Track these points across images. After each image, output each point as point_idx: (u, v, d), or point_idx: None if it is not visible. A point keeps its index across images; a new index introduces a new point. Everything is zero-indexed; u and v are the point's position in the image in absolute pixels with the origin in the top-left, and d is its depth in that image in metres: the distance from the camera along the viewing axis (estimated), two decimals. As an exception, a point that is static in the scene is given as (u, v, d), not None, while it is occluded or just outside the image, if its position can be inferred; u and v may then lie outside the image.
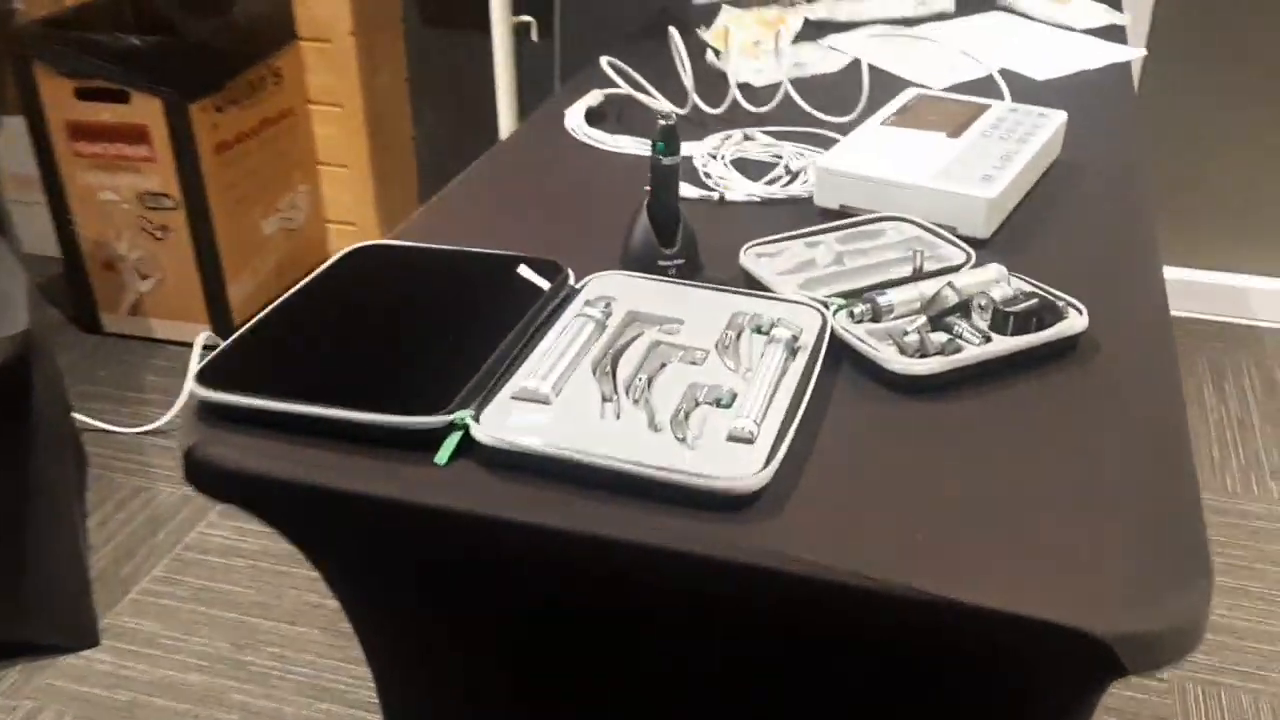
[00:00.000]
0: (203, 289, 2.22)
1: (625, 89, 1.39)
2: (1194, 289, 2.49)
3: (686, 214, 1.02)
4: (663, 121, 0.96)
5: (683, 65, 1.36)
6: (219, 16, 2.17)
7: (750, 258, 1.00)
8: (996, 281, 0.93)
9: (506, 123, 1.79)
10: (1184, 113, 2.35)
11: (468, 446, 0.75)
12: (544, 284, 0.93)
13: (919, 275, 0.97)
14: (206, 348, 2.24)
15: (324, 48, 2.35)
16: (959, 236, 1.05)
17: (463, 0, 2.43)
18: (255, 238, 2.33)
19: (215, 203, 2.17)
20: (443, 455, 0.74)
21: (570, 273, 0.95)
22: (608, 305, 0.91)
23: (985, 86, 1.44)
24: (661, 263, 1.01)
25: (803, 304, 0.91)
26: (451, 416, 0.75)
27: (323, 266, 0.95)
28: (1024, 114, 1.22)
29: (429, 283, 0.94)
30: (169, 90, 2.04)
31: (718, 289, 0.93)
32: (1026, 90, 1.45)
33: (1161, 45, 2.31)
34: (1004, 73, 1.51)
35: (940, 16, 1.76)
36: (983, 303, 0.91)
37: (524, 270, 0.95)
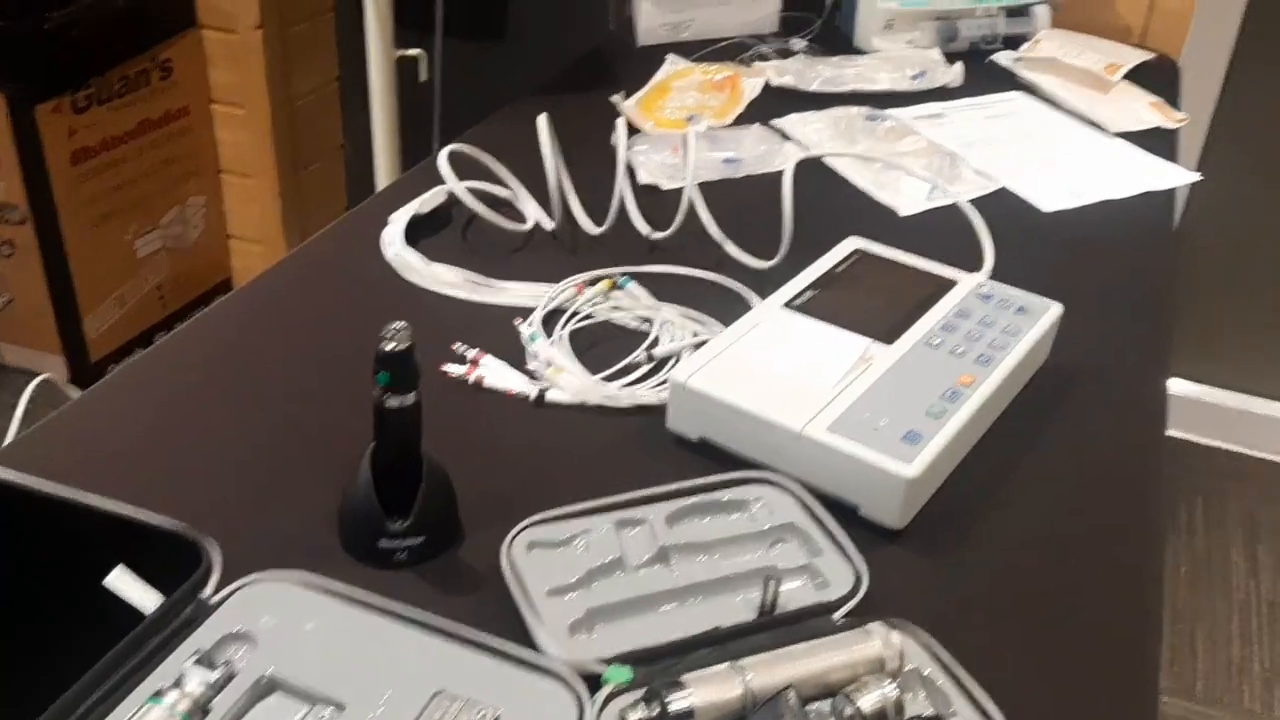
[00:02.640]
0: (55, 315, 1.88)
1: (461, 193, 1.03)
2: (1235, 417, 2.09)
3: (438, 463, 0.66)
4: (389, 342, 0.60)
5: (555, 163, 0.99)
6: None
7: (519, 552, 0.64)
8: (879, 672, 0.57)
9: (384, 182, 1.43)
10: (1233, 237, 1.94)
11: None
12: (142, 603, 0.57)
13: (762, 622, 0.61)
14: (84, 383, 1.90)
15: (228, 39, 1.98)
16: (859, 516, 0.69)
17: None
18: (125, 259, 1.99)
19: (70, 218, 1.83)
20: None
21: (216, 565, 0.60)
22: (239, 654, 0.56)
23: (965, 223, 1.05)
24: (386, 543, 0.65)
25: (557, 678, 0.55)
26: None
27: None
28: (1000, 303, 0.85)
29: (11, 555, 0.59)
30: (14, 86, 1.69)
31: (426, 629, 0.58)
32: (1025, 228, 1.07)
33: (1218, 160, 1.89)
34: (1001, 195, 1.13)
35: (942, 93, 1.38)
36: (847, 714, 0.55)
37: (118, 579, 0.59)
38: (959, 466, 0.75)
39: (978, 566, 0.68)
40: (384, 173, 1.39)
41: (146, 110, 1.93)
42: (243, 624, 0.57)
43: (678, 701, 0.54)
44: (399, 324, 0.61)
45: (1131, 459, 0.78)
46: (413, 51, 1.39)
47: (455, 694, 0.54)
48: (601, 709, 0.54)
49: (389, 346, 0.60)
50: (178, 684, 0.53)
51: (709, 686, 0.55)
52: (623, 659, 0.57)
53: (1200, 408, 2.11)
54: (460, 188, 0.99)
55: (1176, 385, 2.09)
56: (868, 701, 0.55)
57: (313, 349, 0.84)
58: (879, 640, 0.58)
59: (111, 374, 0.82)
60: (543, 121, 1.00)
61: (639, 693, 0.55)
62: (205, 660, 0.55)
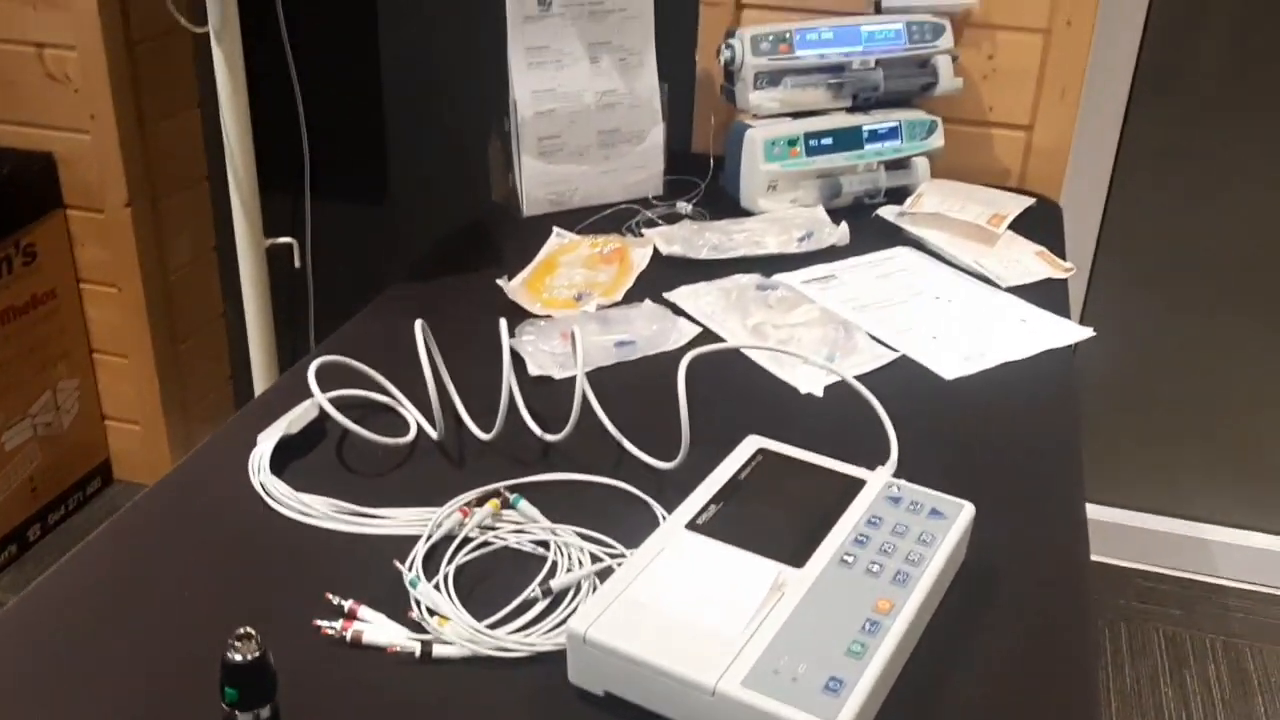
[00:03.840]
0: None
1: (331, 411, 0.96)
2: (1152, 538, 2.10)
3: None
4: (235, 652, 0.53)
5: (434, 371, 0.94)
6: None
7: None
8: None
9: (260, 383, 1.36)
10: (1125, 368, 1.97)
11: None
12: None
13: None
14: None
15: (95, 218, 1.90)
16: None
17: (281, 155, 2.00)
18: None
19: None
20: None
21: None
22: None
23: (875, 385, 1.01)
24: None
25: None
26: None
27: None
28: (912, 506, 0.80)
29: None
30: None
31: None
32: (927, 398, 1.04)
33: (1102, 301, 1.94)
34: (904, 363, 1.10)
35: (830, 252, 1.36)
36: None
37: None
38: (885, 699, 0.69)
39: (915, 826, 0.62)
40: (260, 369, 1.32)
41: (10, 298, 1.83)
42: None
43: None
44: (245, 629, 0.53)
45: (1064, 653, 0.74)
46: (284, 240, 1.33)
47: None
48: None
49: (236, 657, 0.53)
50: None
51: None
52: None
53: (1116, 530, 2.11)
54: (328, 405, 0.92)
55: (1092, 510, 2.09)
56: None
57: (175, 606, 0.76)
58: None
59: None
60: (419, 330, 0.94)
61: None
62: None
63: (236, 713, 0.53)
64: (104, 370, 2.05)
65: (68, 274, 1.94)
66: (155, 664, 0.71)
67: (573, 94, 1.45)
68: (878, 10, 1.55)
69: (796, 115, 1.48)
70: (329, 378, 1.00)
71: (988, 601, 0.79)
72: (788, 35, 1.46)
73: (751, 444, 0.87)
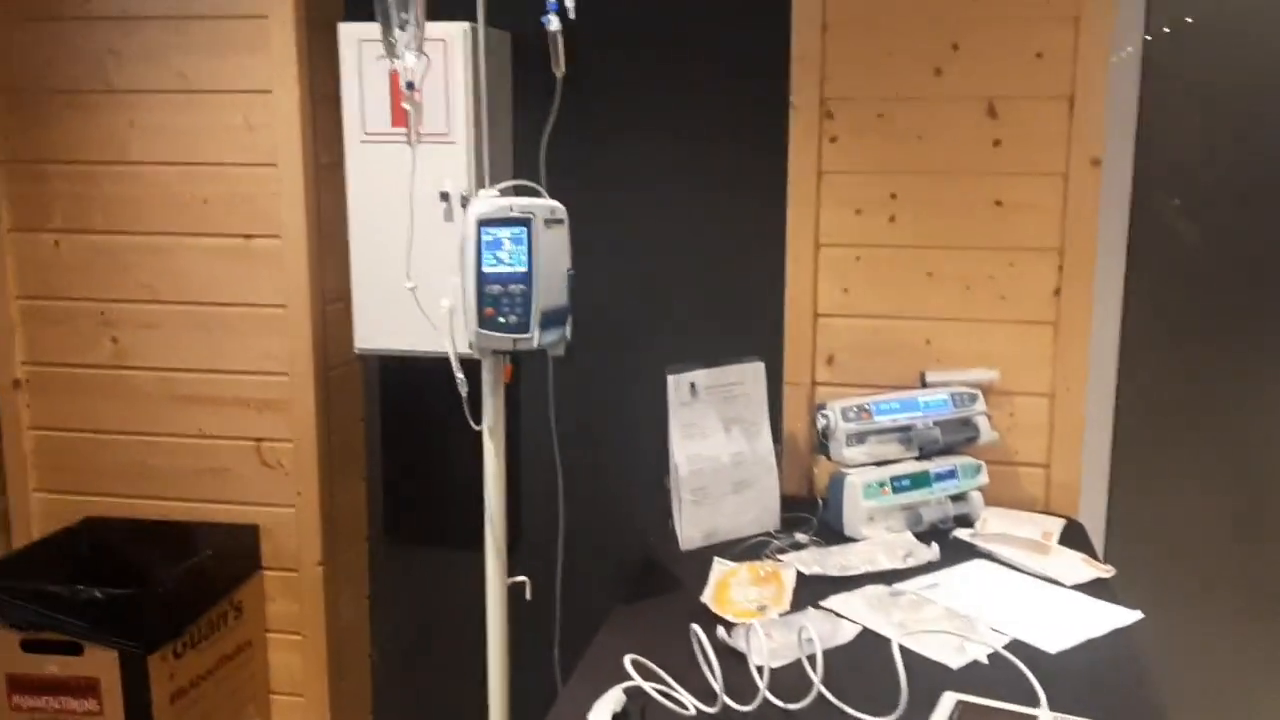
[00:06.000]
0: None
1: (647, 687, 1.35)
2: None
3: None
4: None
5: (709, 664, 1.33)
6: (186, 558, 2.12)
7: None
8: None
9: (497, 701, 1.72)
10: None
11: None
12: None
13: None
14: None
15: (289, 576, 2.29)
16: None
17: (424, 514, 2.44)
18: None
19: (163, 757, 2.00)
20: None
21: None
22: None
23: (1001, 665, 1.42)
24: None
25: None
26: None
27: None
28: (1070, 727, 1.20)
29: None
30: (129, 643, 1.94)
31: None
32: (1042, 666, 1.45)
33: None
34: (1016, 646, 1.51)
35: (928, 567, 1.80)
36: None
37: None
38: None
39: None
40: (496, 700, 1.68)
41: (223, 648, 2.18)
42: None
43: None
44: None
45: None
46: (520, 578, 1.74)
47: None
48: None
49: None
50: None
51: None
52: None
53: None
54: (645, 684, 1.31)
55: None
56: None
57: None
58: None
59: None
60: (697, 631, 1.35)
61: None
62: None
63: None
64: (280, 707, 2.36)
65: (260, 625, 2.30)
66: None
67: (713, 456, 1.93)
68: (923, 384, 2.08)
69: (879, 464, 1.96)
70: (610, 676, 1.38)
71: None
72: (867, 406, 1.97)
73: (950, 700, 1.27)
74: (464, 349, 1.67)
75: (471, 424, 1.68)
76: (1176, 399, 2.33)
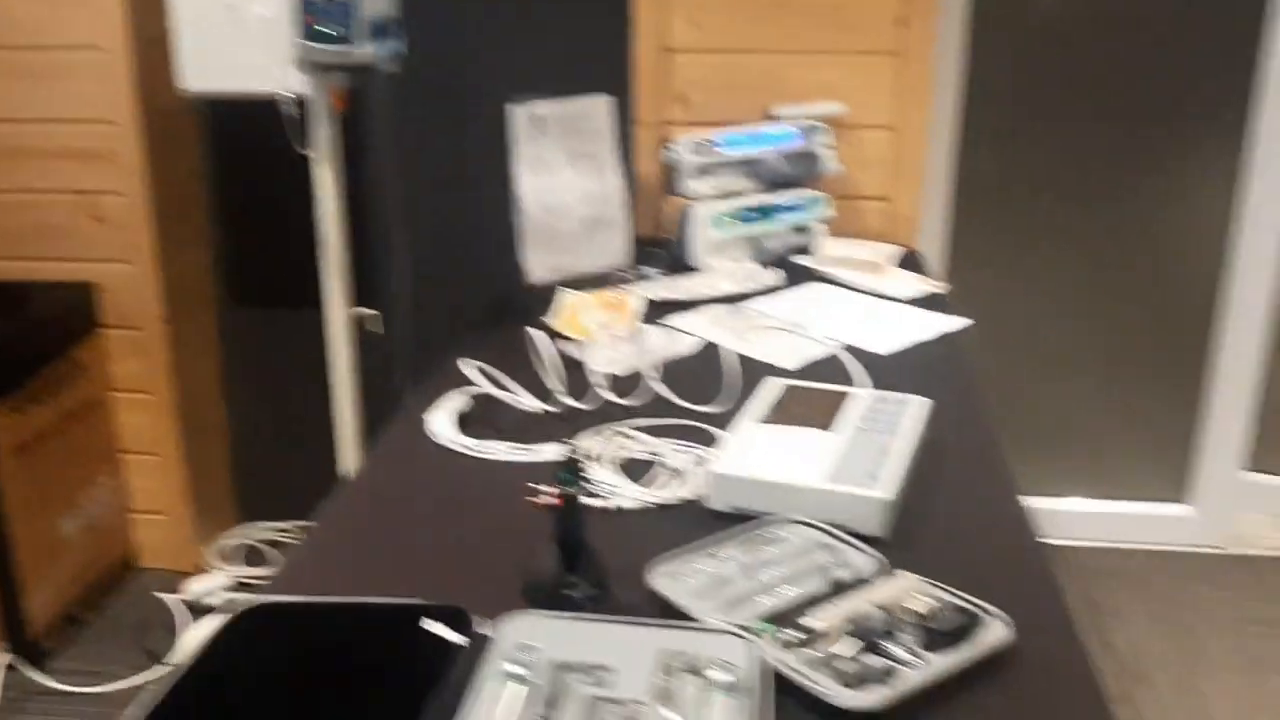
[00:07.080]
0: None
1: (489, 389, 1.37)
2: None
3: (592, 542, 0.98)
4: (569, 454, 0.94)
5: (544, 364, 1.36)
6: (16, 314, 2.04)
7: (660, 580, 0.97)
8: (914, 594, 0.93)
9: (349, 423, 1.73)
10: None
11: None
12: (454, 638, 0.86)
13: (836, 589, 0.96)
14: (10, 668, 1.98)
15: (133, 335, 2.23)
16: (856, 536, 1.05)
17: (275, 279, 2.39)
18: (54, 540, 2.13)
19: (14, 508, 1.98)
20: None
21: (476, 620, 0.89)
22: (529, 656, 0.85)
23: (834, 365, 1.48)
24: (573, 595, 0.96)
25: (729, 633, 0.88)
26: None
27: (211, 633, 0.85)
28: (889, 402, 1.27)
29: (329, 647, 0.86)
30: (-39, 393, 1.88)
31: (637, 623, 0.89)
32: (874, 367, 1.51)
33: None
34: (850, 350, 1.58)
35: (770, 290, 1.84)
36: (909, 619, 0.90)
37: (429, 623, 0.88)
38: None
39: (935, 552, 1.06)
40: (347, 423, 1.69)
41: (65, 405, 2.13)
42: (518, 639, 0.86)
43: (810, 623, 0.88)
44: (569, 447, 0.94)
45: (998, 490, 1.20)
46: (368, 310, 1.73)
47: (672, 646, 0.86)
48: (766, 636, 0.87)
49: (569, 455, 0.93)
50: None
51: (824, 615, 0.89)
52: (763, 619, 0.91)
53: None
54: (486, 384, 1.33)
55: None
56: (918, 604, 0.91)
57: (439, 509, 1.14)
58: (910, 580, 0.94)
59: (316, 520, 1.08)
60: (534, 333, 1.36)
61: (783, 630, 0.89)
62: (512, 659, 0.84)
63: (569, 488, 0.93)
64: (134, 468, 2.34)
65: (103, 385, 2.25)
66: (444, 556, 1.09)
67: (561, 190, 1.91)
68: (770, 119, 2.08)
69: (725, 197, 1.98)
70: (456, 381, 1.40)
71: (947, 473, 1.25)
72: (713, 139, 1.97)
73: (775, 385, 1.32)
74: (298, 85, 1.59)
75: (296, 148, 1.62)
76: (1021, 131, 2.39)
